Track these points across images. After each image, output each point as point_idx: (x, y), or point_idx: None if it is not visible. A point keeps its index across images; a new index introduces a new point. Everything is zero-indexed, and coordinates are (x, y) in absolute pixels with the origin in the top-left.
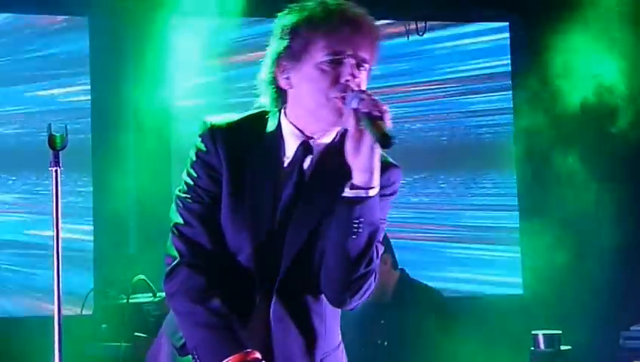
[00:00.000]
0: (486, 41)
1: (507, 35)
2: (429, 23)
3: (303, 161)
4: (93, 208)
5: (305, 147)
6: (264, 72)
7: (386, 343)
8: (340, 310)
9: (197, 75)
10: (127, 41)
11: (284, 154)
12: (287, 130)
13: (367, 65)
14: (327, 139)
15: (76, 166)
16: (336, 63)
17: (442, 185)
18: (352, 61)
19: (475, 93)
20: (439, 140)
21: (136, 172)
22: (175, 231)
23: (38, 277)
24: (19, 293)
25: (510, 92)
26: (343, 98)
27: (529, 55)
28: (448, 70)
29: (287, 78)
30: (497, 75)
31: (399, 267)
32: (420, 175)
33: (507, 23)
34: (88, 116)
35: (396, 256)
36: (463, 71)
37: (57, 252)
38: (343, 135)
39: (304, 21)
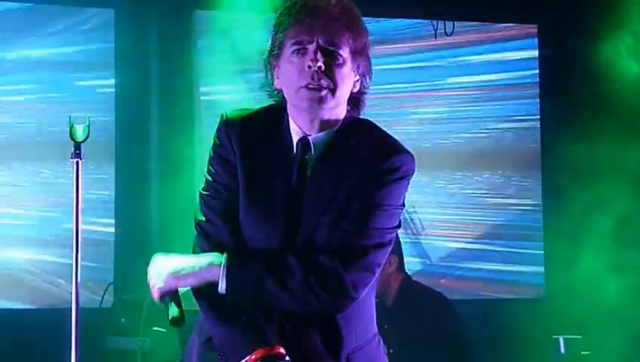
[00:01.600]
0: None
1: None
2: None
3: (303, 157)
4: (115, 201)
5: (303, 143)
6: (265, 73)
7: (391, 351)
8: (372, 302)
9: (223, 68)
10: (152, 34)
11: (293, 150)
12: (291, 126)
13: (339, 50)
14: (325, 135)
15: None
16: (301, 54)
17: (465, 189)
18: (314, 47)
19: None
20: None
21: (160, 166)
22: (198, 229)
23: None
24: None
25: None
26: (307, 87)
27: (558, 58)
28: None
29: (278, 78)
30: (526, 78)
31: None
32: (444, 176)
33: (535, 25)
34: (113, 109)
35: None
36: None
37: (77, 245)
38: (338, 131)
39: (278, 18)
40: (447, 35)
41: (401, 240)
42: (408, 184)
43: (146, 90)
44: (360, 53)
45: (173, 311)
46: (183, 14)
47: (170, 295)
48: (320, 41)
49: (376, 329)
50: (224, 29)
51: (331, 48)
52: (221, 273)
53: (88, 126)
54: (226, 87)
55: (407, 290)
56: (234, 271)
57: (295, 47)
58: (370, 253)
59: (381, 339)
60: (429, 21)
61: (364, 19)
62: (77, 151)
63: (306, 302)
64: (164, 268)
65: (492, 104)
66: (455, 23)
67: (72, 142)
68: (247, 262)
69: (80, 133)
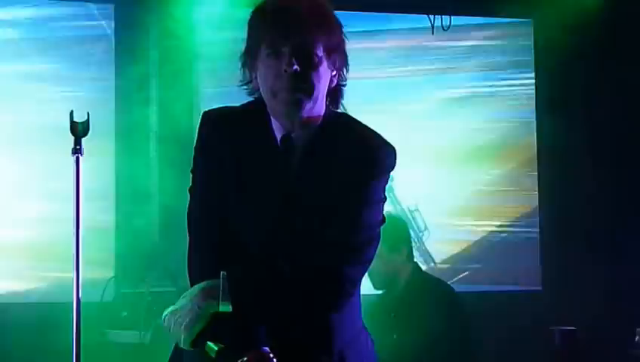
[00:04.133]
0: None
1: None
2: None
3: (288, 155)
4: (115, 195)
5: (286, 141)
6: (243, 72)
7: (395, 336)
8: (359, 294)
9: (223, 62)
10: (152, 29)
11: (277, 147)
12: (274, 123)
13: (314, 50)
14: (307, 133)
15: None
16: (276, 57)
17: (464, 185)
18: (289, 51)
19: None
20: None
21: (160, 160)
22: (192, 230)
23: None
24: None
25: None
26: (284, 91)
27: (552, 55)
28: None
29: (256, 78)
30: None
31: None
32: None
33: (530, 20)
34: (113, 104)
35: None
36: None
37: (77, 239)
38: (320, 127)
39: (251, 18)
40: (444, 30)
41: (410, 231)
42: (390, 176)
43: (145, 83)
44: (335, 50)
45: (212, 349)
46: (183, 9)
47: (199, 340)
48: (294, 44)
49: (362, 322)
50: (224, 16)
51: (306, 50)
52: (222, 292)
53: (88, 121)
54: (228, 78)
55: (416, 280)
56: (234, 287)
57: (269, 50)
58: (364, 248)
59: (369, 335)
60: (427, 15)
61: (362, 13)
62: (77, 147)
63: (304, 303)
64: (178, 328)
65: (490, 99)
66: (452, 17)
67: (73, 138)
68: (243, 275)
69: (80, 128)
